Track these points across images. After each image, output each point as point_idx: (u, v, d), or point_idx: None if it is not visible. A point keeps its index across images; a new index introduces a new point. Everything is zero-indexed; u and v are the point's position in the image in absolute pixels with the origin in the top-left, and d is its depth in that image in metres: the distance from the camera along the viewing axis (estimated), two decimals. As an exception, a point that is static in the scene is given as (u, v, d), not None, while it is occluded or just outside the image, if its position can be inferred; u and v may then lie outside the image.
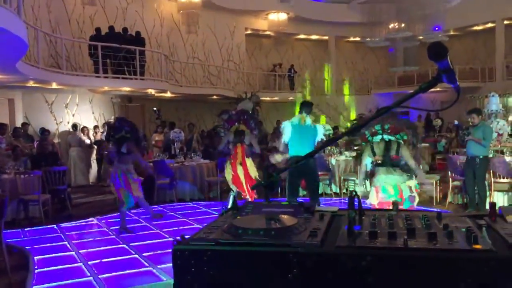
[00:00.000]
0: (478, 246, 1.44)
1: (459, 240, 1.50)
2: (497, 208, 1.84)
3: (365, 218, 1.82)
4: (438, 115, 17.89)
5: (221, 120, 7.43)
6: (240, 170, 7.02)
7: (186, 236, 1.62)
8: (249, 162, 7.11)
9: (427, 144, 13.02)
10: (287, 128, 6.50)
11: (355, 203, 1.80)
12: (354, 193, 1.83)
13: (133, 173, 6.86)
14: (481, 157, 7.24)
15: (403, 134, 4.97)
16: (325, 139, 6.82)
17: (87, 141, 12.42)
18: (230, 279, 1.52)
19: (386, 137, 4.95)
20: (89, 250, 6.07)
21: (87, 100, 13.70)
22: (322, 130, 6.71)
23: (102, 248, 6.18)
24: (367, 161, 5.15)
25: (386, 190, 4.90)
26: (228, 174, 7.24)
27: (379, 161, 4.99)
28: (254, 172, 7.25)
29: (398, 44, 21.11)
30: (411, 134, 5.03)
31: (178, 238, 1.60)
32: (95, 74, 12.65)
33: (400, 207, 4.56)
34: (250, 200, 6.62)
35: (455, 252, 1.43)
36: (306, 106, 6.70)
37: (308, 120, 6.53)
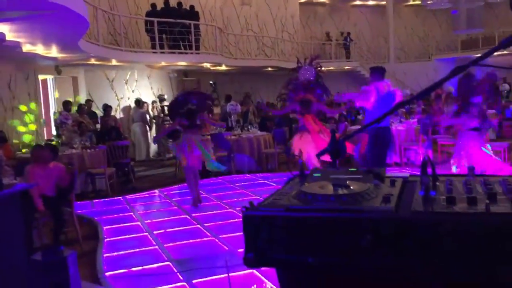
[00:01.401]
0: None
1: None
2: None
3: (440, 183, 1.73)
4: (505, 79, 16.92)
5: (287, 90, 7.19)
6: (308, 140, 6.83)
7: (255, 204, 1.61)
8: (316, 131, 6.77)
9: (494, 111, 12.35)
10: (370, 92, 6.18)
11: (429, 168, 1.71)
12: (427, 157, 1.74)
13: (202, 141, 6.87)
14: None
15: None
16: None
17: (148, 116, 12.76)
18: (301, 245, 1.49)
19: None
20: (154, 220, 6.29)
21: (145, 75, 14.01)
22: (400, 94, 6.45)
23: (166, 218, 6.39)
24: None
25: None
26: (296, 144, 7.05)
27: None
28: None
29: (461, 5, 19.94)
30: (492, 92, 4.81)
31: (247, 205, 1.59)
32: (152, 50, 12.88)
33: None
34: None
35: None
36: (380, 72, 6.38)
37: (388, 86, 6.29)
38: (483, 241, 1.37)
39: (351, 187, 1.63)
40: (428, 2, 19.84)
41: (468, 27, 21.38)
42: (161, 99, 13.58)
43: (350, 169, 1.92)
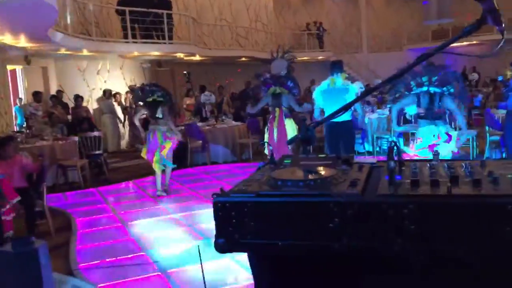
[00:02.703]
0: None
1: (505, 186, 1.46)
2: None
3: (405, 168, 1.78)
4: (474, 69, 17.30)
5: (258, 82, 7.21)
6: (275, 134, 6.85)
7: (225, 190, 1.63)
8: (289, 124, 6.83)
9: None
10: (317, 97, 6.42)
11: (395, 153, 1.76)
12: (393, 143, 1.79)
13: (171, 133, 6.87)
14: None
15: (450, 87, 4.84)
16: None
17: (118, 107, 12.58)
18: (271, 230, 1.53)
19: (432, 89, 4.85)
20: (128, 211, 6.25)
21: (118, 66, 13.81)
22: (355, 89, 6.54)
23: (140, 209, 6.36)
24: (410, 110, 5.10)
25: (426, 142, 4.85)
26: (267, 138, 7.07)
27: (422, 114, 4.93)
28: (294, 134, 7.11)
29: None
30: (459, 87, 4.89)
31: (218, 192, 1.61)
32: (124, 40, 12.70)
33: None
34: None
35: (501, 198, 1.39)
36: (336, 67, 6.51)
37: (339, 81, 6.37)
38: (445, 221, 1.43)
39: (320, 173, 1.67)
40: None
41: (439, 17, 21.77)
42: (132, 89, 13.40)
43: (319, 155, 1.96)
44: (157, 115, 6.81)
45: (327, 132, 6.66)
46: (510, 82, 7.30)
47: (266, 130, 7.06)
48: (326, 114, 6.33)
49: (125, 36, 12.64)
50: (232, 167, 9.14)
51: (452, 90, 4.84)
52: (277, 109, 6.84)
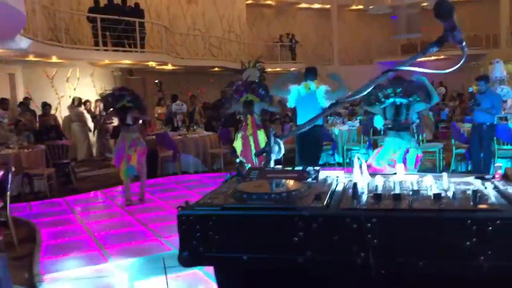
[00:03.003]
0: (483, 206, 1.44)
1: (464, 200, 1.50)
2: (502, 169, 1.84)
3: (371, 182, 1.81)
4: (441, 83, 17.76)
5: (230, 92, 7.21)
6: (250, 142, 6.85)
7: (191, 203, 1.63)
8: (261, 134, 6.82)
9: (430, 113, 12.95)
10: (292, 92, 6.45)
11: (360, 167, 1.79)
12: (358, 157, 1.82)
13: (140, 141, 6.82)
14: (488, 124, 7.24)
15: (416, 96, 4.96)
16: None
17: (88, 115, 12.37)
18: (236, 243, 1.53)
19: (398, 100, 4.95)
20: (96, 222, 6.13)
21: (88, 74, 13.62)
22: (321, 93, 6.58)
23: (108, 220, 6.25)
24: (376, 122, 5.19)
25: (388, 152, 4.94)
26: (238, 146, 7.08)
27: (389, 125, 5.04)
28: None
29: (401, 11, 20.78)
30: (424, 95, 5.00)
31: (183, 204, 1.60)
32: (95, 47, 12.54)
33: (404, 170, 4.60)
34: None
35: (460, 212, 1.43)
36: (310, 73, 6.60)
37: (313, 87, 6.46)
38: (407, 235, 1.46)
39: (286, 186, 1.69)
40: (370, 7, 20.53)
41: (408, 32, 22.29)
42: (102, 96, 13.20)
43: (286, 168, 1.98)
44: (127, 122, 6.73)
45: (297, 141, 6.69)
46: (476, 97, 7.51)
47: (239, 137, 7.00)
48: (299, 118, 6.42)
49: (96, 44, 12.48)
50: (203, 177, 9.09)
51: (418, 99, 4.96)
52: (249, 116, 6.85)
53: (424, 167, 6.02)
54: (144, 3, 15.14)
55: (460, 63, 1.77)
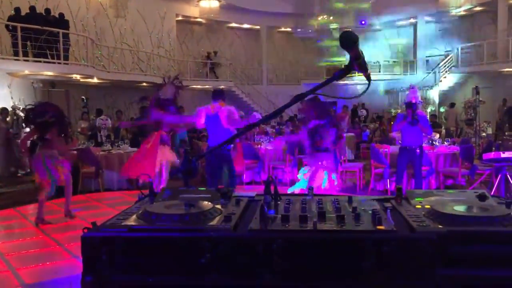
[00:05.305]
0: (381, 227, 1.52)
1: (364, 222, 1.58)
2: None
3: (281, 202, 1.86)
4: (363, 105, 18.61)
5: (143, 105, 7.38)
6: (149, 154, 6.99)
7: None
8: (167, 149, 7.12)
9: (352, 134, 13.52)
10: (198, 113, 6.49)
11: (271, 188, 1.84)
12: (270, 178, 1.86)
13: (57, 157, 6.55)
14: (419, 147, 7.37)
15: (329, 118, 5.22)
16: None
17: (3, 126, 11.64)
18: (142, 266, 1.50)
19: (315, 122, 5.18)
20: (7, 242, 5.77)
21: (5, 84, 12.89)
22: (223, 114, 6.65)
23: (21, 240, 5.89)
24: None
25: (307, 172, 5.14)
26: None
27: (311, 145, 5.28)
28: (172, 157, 7.34)
29: (326, 36, 21.64)
30: (331, 117, 5.29)
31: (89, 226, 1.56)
32: (14, 57, 11.92)
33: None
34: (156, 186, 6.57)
35: (359, 233, 1.50)
36: (218, 95, 6.62)
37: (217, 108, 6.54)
38: (312, 256, 1.51)
39: (197, 207, 1.69)
40: (298, 30, 21.21)
41: (333, 56, 23.18)
42: (24, 109, 12.53)
43: (199, 188, 1.98)
44: (46, 137, 6.44)
45: (207, 162, 6.61)
46: (417, 113, 7.45)
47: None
48: (209, 139, 6.52)
49: (16, 54, 11.87)
50: (127, 194, 8.83)
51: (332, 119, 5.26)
52: (155, 132, 7.02)
53: (345, 186, 6.28)
54: (69, 14, 14.66)
55: (366, 90, 1.87)
